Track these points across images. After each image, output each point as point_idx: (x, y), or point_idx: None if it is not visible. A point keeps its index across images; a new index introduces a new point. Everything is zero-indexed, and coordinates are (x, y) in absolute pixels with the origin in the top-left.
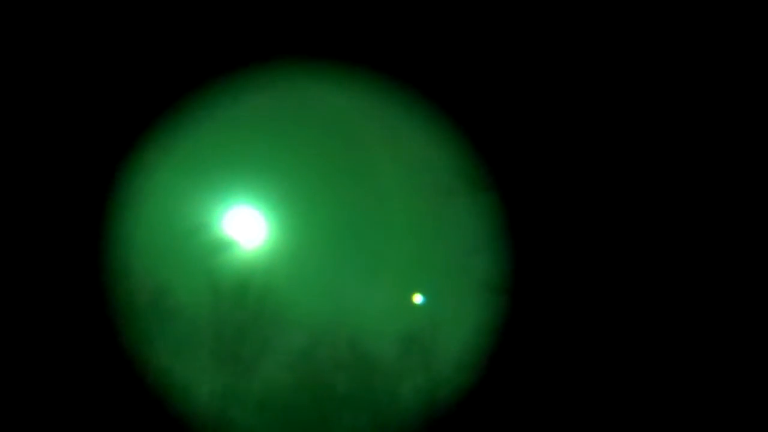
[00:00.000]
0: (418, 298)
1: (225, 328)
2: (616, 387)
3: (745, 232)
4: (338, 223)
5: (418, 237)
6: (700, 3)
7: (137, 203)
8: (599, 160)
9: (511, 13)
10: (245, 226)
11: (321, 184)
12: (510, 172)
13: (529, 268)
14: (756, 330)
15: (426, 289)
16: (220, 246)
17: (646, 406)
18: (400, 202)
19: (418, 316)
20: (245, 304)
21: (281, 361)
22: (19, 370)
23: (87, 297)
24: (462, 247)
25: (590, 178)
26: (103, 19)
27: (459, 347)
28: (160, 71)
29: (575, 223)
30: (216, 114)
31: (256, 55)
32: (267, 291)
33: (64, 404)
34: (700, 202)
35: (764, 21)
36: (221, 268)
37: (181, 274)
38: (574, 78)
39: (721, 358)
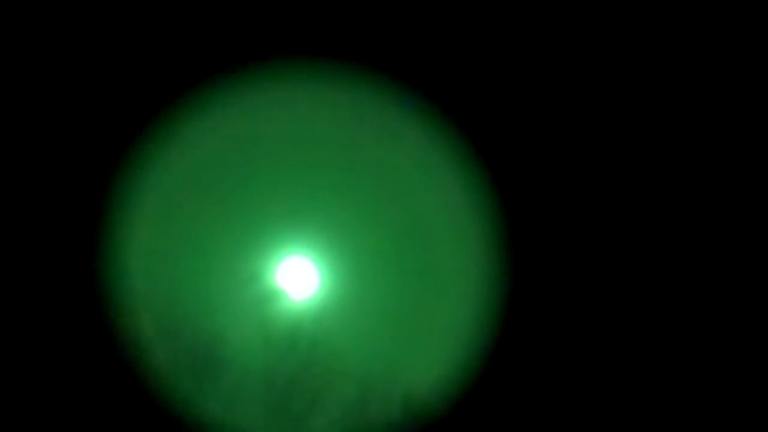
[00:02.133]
0: None
1: (276, 380)
2: (615, 389)
3: (745, 232)
4: (391, 273)
5: (474, 289)
6: (700, 3)
7: (191, 253)
8: (603, 165)
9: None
10: (297, 277)
11: (374, 234)
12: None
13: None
14: (756, 330)
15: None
16: (271, 296)
17: (646, 408)
18: (454, 251)
19: (473, 372)
20: (295, 356)
21: (331, 416)
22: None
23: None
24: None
25: (594, 187)
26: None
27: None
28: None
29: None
30: (268, 163)
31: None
32: (317, 342)
33: None
34: (700, 202)
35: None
36: (272, 318)
37: (234, 325)
38: (578, 82)
39: (721, 359)
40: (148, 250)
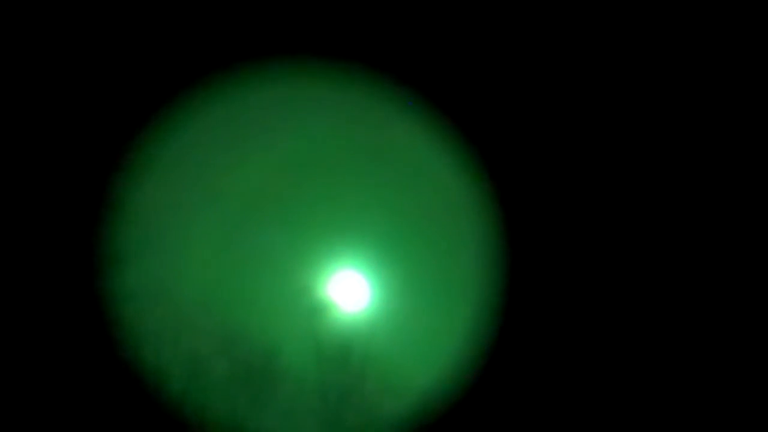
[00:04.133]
0: None
1: (330, 393)
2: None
3: (744, 233)
4: (441, 286)
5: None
6: (699, 3)
7: (248, 266)
8: (599, 162)
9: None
10: (348, 289)
11: (424, 248)
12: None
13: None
14: (756, 330)
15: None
16: (323, 308)
17: (645, 407)
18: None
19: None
20: (348, 368)
21: (385, 430)
22: None
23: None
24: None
25: (591, 182)
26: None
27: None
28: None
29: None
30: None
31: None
32: (370, 355)
33: None
34: (699, 202)
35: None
36: (324, 331)
37: (287, 337)
38: (575, 80)
39: (720, 360)
40: (203, 265)
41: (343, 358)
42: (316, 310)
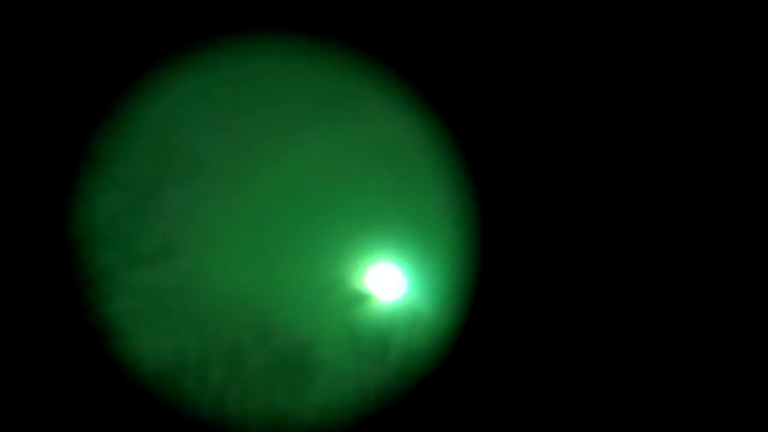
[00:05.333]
0: None
1: (367, 385)
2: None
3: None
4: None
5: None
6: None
7: (285, 258)
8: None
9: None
10: (384, 280)
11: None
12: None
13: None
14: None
15: None
16: (359, 299)
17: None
18: None
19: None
20: (386, 360)
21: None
22: None
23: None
24: None
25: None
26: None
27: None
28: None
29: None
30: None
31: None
32: (409, 349)
33: None
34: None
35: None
36: (361, 322)
37: (323, 328)
38: (567, 77)
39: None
40: (241, 258)
41: (380, 350)
42: (352, 302)
